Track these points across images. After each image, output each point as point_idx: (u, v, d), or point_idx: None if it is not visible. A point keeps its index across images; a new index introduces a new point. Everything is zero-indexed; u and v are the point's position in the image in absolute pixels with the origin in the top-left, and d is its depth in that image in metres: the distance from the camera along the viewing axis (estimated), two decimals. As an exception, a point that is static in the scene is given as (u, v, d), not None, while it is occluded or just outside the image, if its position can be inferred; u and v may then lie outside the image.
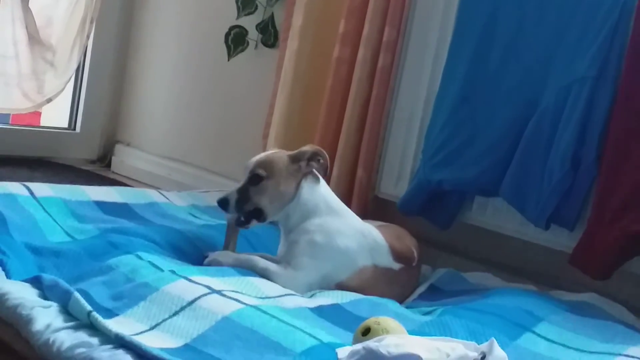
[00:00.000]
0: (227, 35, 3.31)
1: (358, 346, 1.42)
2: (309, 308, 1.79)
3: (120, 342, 1.44)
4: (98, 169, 3.80)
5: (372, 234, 2.12)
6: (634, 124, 2.12)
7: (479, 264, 2.47)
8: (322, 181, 2.12)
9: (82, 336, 1.48)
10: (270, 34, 3.24)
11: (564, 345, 1.78)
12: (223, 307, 1.61)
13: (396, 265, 2.13)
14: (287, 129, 2.87)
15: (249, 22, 3.28)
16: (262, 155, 2.11)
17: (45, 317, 1.54)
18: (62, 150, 3.80)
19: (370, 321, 1.57)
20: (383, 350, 1.36)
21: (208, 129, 3.52)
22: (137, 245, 2.01)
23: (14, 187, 2.32)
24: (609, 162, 2.16)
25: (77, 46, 3.60)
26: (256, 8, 3.25)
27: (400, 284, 2.15)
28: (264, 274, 1.97)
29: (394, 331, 1.53)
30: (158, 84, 3.78)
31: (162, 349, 1.44)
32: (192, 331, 1.54)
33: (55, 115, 3.92)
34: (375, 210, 2.67)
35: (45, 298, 1.64)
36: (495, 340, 1.44)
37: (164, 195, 2.73)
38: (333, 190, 2.19)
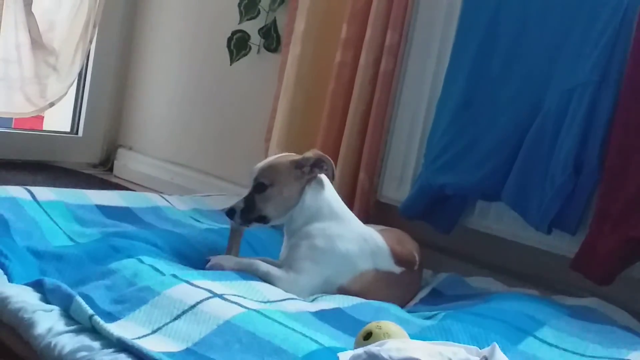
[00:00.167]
0: (230, 39, 3.32)
1: (360, 350, 1.41)
2: (310, 312, 1.79)
3: (122, 346, 1.44)
4: (100, 173, 3.80)
5: (374, 238, 2.12)
6: (637, 129, 2.12)
7: (481, 268, 2.47)
8: (328, 185, 2.12)
9: (84, 340, 1.48)
10: (272, 39, 3.25)
11: (565, 350, 1.77)
12: (225, 311, 1.61)
13: (397, 269, 2.12)
14: (289, 133, 2.87)
15: (252, 27, 3.28)
16: (266, 161, 2.11)
17: (46, 321, 1.54)
18: (65, 154, 3.80)
19: (372, 325, 1.56)
20: (385, 355, 1.35)
21: (210, 133, 3.53)
22: (139, 249, 2.01)
23: (17, 191, 2.33)
24: (611, 166, 2.15)
25: (79, 50, 3.61)
26: (259, 13, 3.25)
27: (402, 287, 2.15)
28: (265, 278, 1.97)
29: (396, 335, 1.53)
30: (160, 88, 3.78)
31: (163, 353, 1.44)
32: (194, 335, 1.54)
33: (58, 119, 3.93)
34: (377, 214, 2.67)
35: (47, 302, 1.64)
36: (497, 345, 1.43)
37: (166, 199, 2.73)
38: (335, 194, 2.19)
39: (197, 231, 2.38)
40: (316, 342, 1.54)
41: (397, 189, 2.70)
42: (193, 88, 3.63)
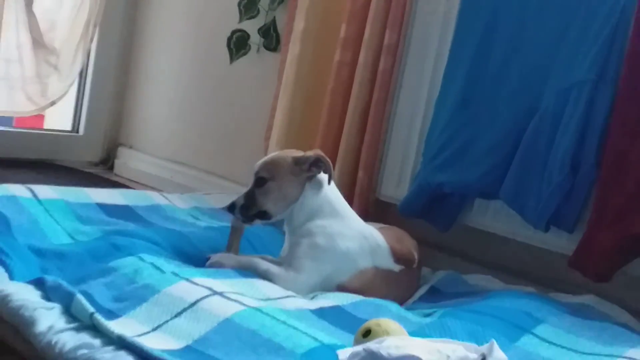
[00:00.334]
0: (229, 39, 3.32)
1: (359, 348, 1.42)
2: (310, 310, 1.79)
3: (122, 344, 1.45)
4: (101, 172, 3.80)
5: (374, 236, 2.13)
6: (634, 127, 2.12)
7: (479, 266, 2.47)
8: (330, 183, 2.13)
9: (85, 337, 1.48)
10: (272, 38, 3.25)
11: (563, 347, 1.78)
12: (225, 308, 1.62)
13: (397, 267, 2.13)
14: (288, 131, 2.87)
15: (251, 26, 3.28)
16: (267, 157, 2.13)
17: (47, 319, 1.54)
18: (65, 153, 3.80)
19: (371, 323, 1.57)
20: (384, 352, 1.36)
21: (210, 131, 3.53)
22: (139, 247, 2.01)
23: (17, 190, 2.33)
24: (608, 164, 2.16)
25: (80, 50, 3.61)
26: (258, 12, 3.25)
27: (401, 285, 2.15)
28: (265, 276, 1.97)
29: (395, 333, 1.53)
30: (161, 87, 3.78)
31: (163, 351, 1.45)
32: (194, 333, 1.54)
33: (59, 118, 3.93)
34: (376, 213, 2.67)
35: (48, 299, 1.64)
36: (495, 342, 1.44)
37: (166, 198, 2.73)
38: (335, 193, 2.20)
39: (197, 229, 2.38)
40: (315, 339, 1.54)
41: (396, 187, 2.70)
42: (193, 87, 3.63)
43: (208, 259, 2.07)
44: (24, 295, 1.64)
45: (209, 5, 3.58)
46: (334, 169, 2.65)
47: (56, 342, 1.47)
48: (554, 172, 2.22)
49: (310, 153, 2.09)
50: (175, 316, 1.60)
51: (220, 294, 1.69)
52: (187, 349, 1.50)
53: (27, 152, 3.64)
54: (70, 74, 3.61)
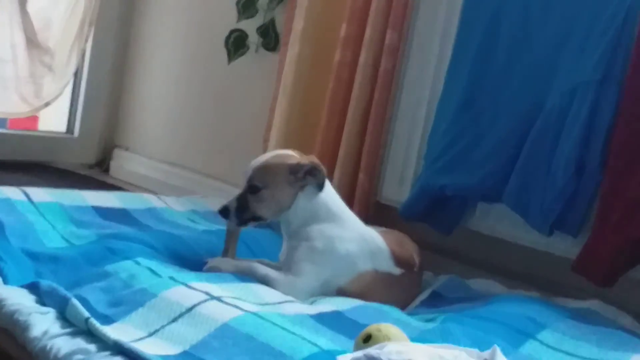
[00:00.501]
0: (227, 38, 3.30)
1: (359, 353, 1.41)
2: (309, 315, 1.78)
3: (118, 349, 1.44)
4: (96, 174, 3.79)
5: (374, 239, 2.12)
6: (639, 128, 2.11)
7: (482, 270, 2.46)
8: (327, 187, 2.10)
9: (80, 343, 1.48)
10: (271, 38, 3.23)
11: (567, 352, 1.77)
12: (222, 313, 1.61)
13: (397, 270, 2.12)
14: (287, 133, 2.86)
15: (250, 26, 3.27)
16: (261, 160, 2.09)
17: (42, 324, 1.54)
18: (60, 155, 3.79)
19: (372, 328, 1.56)
20: (384, 358, 1.35)
21: (208, 133, 3.52)
22: (135, 251, 2.00)
23: (12, 192, 2.33)
24: (613, 167, 2.14)
25: (75, 50, 3.60)
26: (257, 11, 3.24)
27: (401, 289, 2.14)
28: (264, 281, 1.96)
29: (396, 338, 1.53)
30: (157, 88, 3.77)
31: (160, 356, 1.44)
32: (191, 338, 1.54)
33: (53, 120, 3.91)
34: (377, 216, 2.66)
35: (43, 304, 1.64)
36: (498, 348, 1.43)
37: (162, 201, 2.74)
38: (335, 195, 2.18)
39: (194, 233, 2.38)
40: (315, 345, 1.53)
41: (397, 190, 2.69)
42: (190, 88, 3.62)
43: (205, 263, 2.05)
44: (19, 299, 1.64)
45: (206, 5, 3.57)
46: (333, 171, 2.66)
47: (51, 347, 1.47)
48: (558, 175, 2.21)
49: (305, 160, 2.06)
50: (172, 321, 1.59)
51: (218, 298, 1.68)
52: (184, 354, 1.49)
53: (21, 154, 3.63)
54: (65, 75, 3.60)
